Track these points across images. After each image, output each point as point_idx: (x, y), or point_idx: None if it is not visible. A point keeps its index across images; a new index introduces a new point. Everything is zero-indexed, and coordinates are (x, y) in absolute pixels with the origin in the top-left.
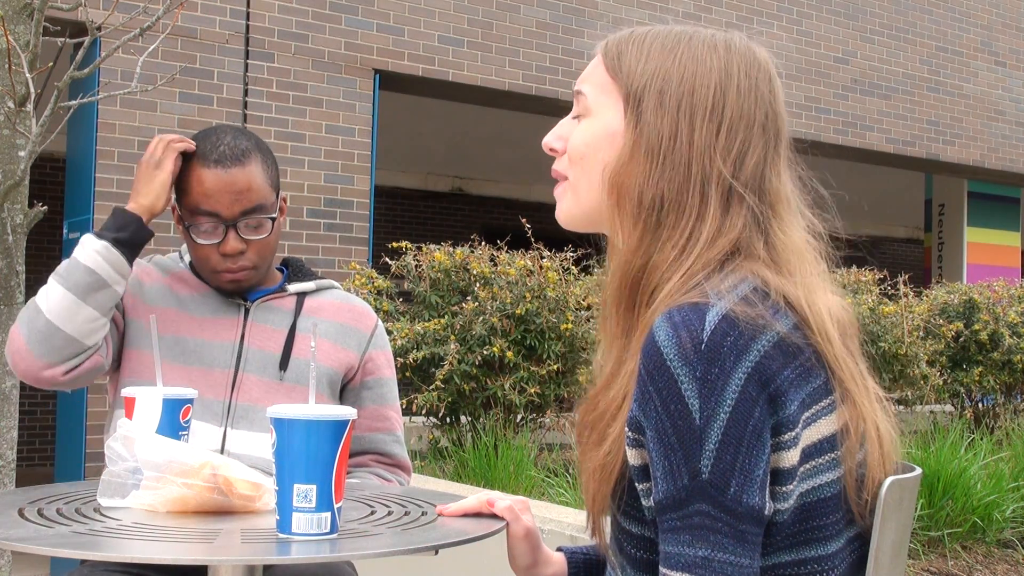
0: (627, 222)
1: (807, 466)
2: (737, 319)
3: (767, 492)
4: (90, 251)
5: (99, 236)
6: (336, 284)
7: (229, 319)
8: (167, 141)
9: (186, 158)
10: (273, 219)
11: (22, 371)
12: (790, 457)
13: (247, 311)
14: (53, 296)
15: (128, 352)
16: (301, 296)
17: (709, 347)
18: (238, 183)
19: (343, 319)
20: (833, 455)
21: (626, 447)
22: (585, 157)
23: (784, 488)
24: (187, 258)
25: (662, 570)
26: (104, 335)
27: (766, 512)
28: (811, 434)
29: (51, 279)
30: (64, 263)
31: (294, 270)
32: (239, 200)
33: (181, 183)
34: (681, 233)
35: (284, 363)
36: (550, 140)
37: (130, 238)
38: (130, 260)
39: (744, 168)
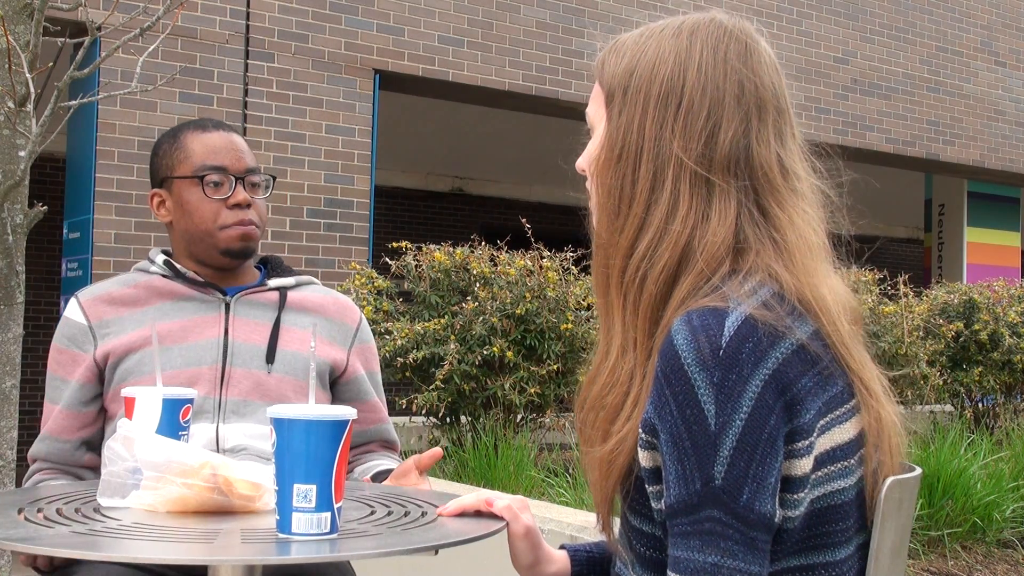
0: (601, 216)
1: (820, 473)
2: (756, 325)
3: (778, 499)
4: None
5: None
6: (315, 280)
7: (211, 316)
8: None
9: (176, 133)
10: (273, 178)
11: None
12: (803, 465)
13: (227, 307)
14: None
15: (110, 395)
16: (283, 291)
17: (728, 353)
18: (238, 144)
19: (328, 314)
20: (847, 462)
21: (639, 448)
22: (589, 168)
23: (795, 496)
24: (159, 259)
25: (670, 574)
26: None
27: (776, 520)
28: (825, 442)
29: None
30: None
31: (273, 267)
32: (243, 158)
33: (177, 153)
34: (647, 219)
35: (271, 356)
36: (579, 162)
37: None
38: None
39: (719, 145)
